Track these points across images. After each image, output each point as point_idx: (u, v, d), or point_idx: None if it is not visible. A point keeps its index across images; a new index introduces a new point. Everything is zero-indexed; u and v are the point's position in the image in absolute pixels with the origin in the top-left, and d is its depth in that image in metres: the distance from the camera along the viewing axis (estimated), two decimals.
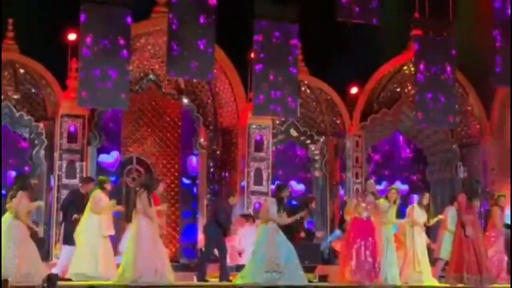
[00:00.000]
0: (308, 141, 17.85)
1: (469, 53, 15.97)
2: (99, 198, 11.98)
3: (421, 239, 13.26)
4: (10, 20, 15.72)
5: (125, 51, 13.95)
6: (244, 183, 16.20)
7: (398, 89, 18.03)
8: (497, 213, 13.76)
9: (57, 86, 15.67)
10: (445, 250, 13.70)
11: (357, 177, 17.08)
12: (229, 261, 13.39)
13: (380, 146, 18.71)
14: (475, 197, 13.11)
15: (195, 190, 17.31)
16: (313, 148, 17.87)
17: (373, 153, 18.49)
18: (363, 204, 12.34)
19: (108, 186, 12.24)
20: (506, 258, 13.82)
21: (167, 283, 11.02)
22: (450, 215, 13.84)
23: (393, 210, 12.87)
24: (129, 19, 13.97)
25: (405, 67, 17.73)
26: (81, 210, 12.18)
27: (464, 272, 12.60)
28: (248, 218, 15.00)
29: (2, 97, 15.80)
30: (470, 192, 13.32)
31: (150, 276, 10.93)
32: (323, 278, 13.57)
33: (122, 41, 13.90)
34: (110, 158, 16.58)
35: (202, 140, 17.20)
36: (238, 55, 16.09)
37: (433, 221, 13.70)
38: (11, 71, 15.95)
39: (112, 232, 12.07)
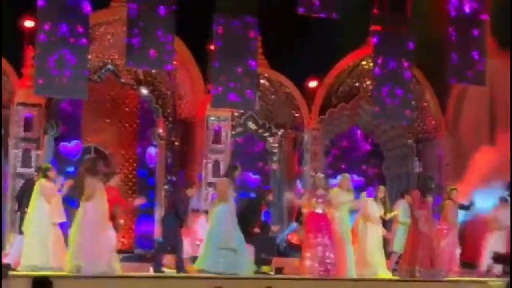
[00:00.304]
0: (267, 134, 17.92)
1: (426, 50, 16.13)
2: (44, 186, 11.84)
3: (376, 233, 13.37)
4: None
5: (83, 40, 13.85)
6: (202, 174, 16.20)
7: (356, 84, 18.10)
8: (450, 206, 13.99)
9: (12, 73, 15.50)
10: (398, 243, 13.90)
11: (314, 171, 17.03)
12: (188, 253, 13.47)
13: (337, 140, 18.83)
14: (429, 193, 13.31)
15: (152, 180, 17.30)
16: (271, 141, 17.98)
17: (331, 147, 18.60)
18: (314, 199, 12.49)
19: (52, 174, 11.98)
20: (458, 251, 14.07)
21: (113, 274, 10.88)
22: (401, 208, 14.02)
23: (350, 197, 12.93)
24: (88, 7, 13.87)
25: (363, 62, 17.82)
26: None
27: (416, 266, 12.81)
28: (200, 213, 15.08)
29: None
30: (423, 188, 13.49)
31: (94, 265, 10.75)
32: (279, 270, 13.67)
33: (80, 29, 13.79)
34: (70, 146, 16.52)
35: (160, 131, 17.21)
36: (198, 47, 16.11)
37: (390, 215, 13.81)
38: None
39: (63, 219, 11.88)
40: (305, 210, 12.78)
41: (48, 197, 11.67)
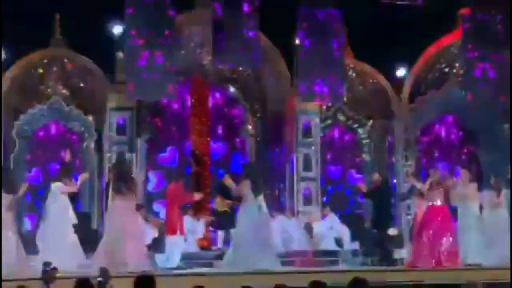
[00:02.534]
0: (356, 125, 17.91)
1: None
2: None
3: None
4: (57, 16, 16.08)
5: (170, 42, 14.13)
6: (293, 169, 16.40)
7: (446, 70, 17.82)
8: None
9: (104, 79, 16.01)
10: None
11: (406, 160, 17.12)
12: None
13: (428, 128, 18.55)
14: None
15: None
16: (361, 132, 17.95)
17: (422, 135, 18.39)
18: (434, 191, 12.78)
19: None
20: None
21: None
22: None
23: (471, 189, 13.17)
24: (173, 10, 14.15)
25: (452, 47, 17.57)
26: None
27: None
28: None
29: (51, 91, 16.17)
30: None
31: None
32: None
33: (167, 32, 14.06)
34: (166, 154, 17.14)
35: (249, 127, 17.52)
36: (283, 41, 16.23)
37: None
38: (59, 66, 16.26)
39: None
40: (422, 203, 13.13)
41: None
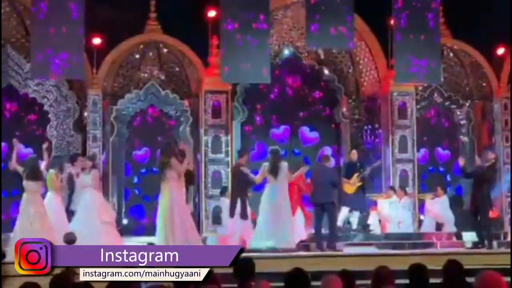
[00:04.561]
0: (454, 106, 17.76)
1: None
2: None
3: None
4: (153, 2, 16.40)
5: (264, 25, 14.46)
6: (388, 151, 16.45)
7: None
8: None
9: (199, 63, 16.20)
10: None
11: (506, 141, 16.95)
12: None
13: None
14: None
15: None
16: (458, 113, 17.82)
17: None
18: None
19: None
20: None
21: None
22: None
23: None
24: None
25: None
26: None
27: None
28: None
29: (147, 76, 16.58)
30: None
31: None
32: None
33: (261, 16, 14.42)
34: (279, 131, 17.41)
35: (344, 109, 17.60)
36: (377, 22, 16.20)
37: None
38: (155, 51, 16.61)
39: None
40: None
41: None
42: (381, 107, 16.83)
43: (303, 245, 12.99)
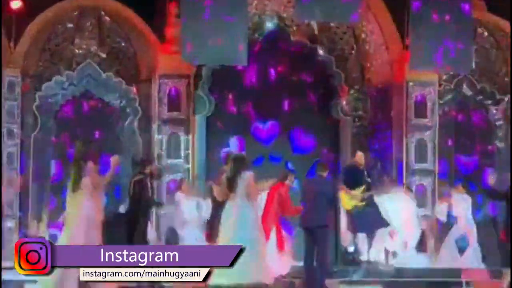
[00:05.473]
0: (488, 102, 17.07)
1: None
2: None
3: None
4: None
5: None
6: (402, 158, 16.04)
7: None
8: None
9: (153, 37, 15.67)
10: None
11: None
12: None
13: None
14: None
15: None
16: (494, 111, 17.16)
17: None
18: None
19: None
20: None
21: None
22: None
23: None
24: None
25: None
26: None
27: None
28: None
29: (83, 52, 16.00)
30: None
31: None
32: None
33: None
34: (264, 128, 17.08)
35: (344, 103, 16.91)
36: None
37: None
38: (93, 21, 15.99)
39: None
40: None
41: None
42: (393, 101, 16.31)
43: (285, 282, 12.57)
